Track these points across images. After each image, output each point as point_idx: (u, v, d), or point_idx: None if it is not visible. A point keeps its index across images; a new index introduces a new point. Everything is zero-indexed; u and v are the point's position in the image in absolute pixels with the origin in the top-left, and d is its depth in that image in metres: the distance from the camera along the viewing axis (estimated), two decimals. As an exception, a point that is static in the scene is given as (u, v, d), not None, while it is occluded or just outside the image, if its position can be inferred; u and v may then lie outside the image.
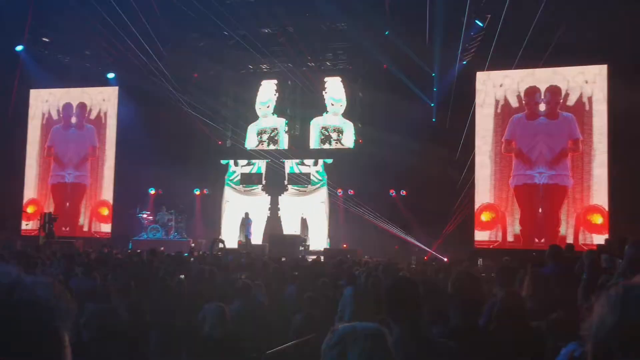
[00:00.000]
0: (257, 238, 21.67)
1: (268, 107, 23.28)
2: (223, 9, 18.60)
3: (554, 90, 19.03)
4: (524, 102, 19.32)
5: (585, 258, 6.49)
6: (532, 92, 19.23)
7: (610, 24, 15.84)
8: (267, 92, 23.24)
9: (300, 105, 22.83)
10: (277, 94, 23.19)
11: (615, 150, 17.90)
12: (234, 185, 23.40)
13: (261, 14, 19.55)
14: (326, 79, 22.42)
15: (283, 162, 22.69)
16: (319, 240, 21.53)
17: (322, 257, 16.10)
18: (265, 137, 23.30)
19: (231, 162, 23.58)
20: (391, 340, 1.82)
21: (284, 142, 23.15)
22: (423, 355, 2.74)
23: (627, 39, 16.22)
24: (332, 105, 22.60)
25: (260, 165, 23.15)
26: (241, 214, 22.10)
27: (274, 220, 22.54)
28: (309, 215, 21.90)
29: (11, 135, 23.01)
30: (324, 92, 22.64)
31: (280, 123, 23.23)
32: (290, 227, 21.91)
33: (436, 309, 3.70)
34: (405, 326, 2.77)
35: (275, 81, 23.00)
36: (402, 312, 2.82)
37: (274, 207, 22.70)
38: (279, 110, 23.22)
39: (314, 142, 22.80)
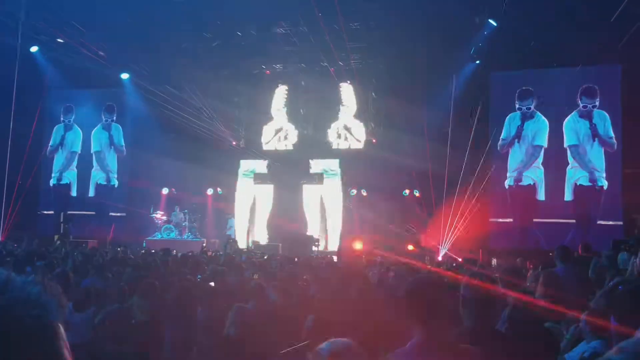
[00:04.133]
0: (262, 236, 21.95)
1: (282, 108, 23.34)
2: (235, 9, 18.59)
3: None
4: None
5: (605, 259, 6.27)
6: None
7: (625, 23, 15.65)
8: (281, 93, 23.29)
9: (313, 105, 22.84)
10: (289, 95, 23.21)
11: (628, 150, 17.80)
12: (246, 184, 23.44)
13: (274, 14, 19.52)
14: (340, 84, 22.38)
15: (296, 161, 22.78)
16: (332, 239, 21.64)
17: (334, 258, 16.12)
18: (279, 136, 23.34)
19: (246, 161, 23.64)
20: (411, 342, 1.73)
21: (296, 142, 23.21)
22: (446, 359, 2.67)
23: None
24: (344, 106, 22.64)
25: (274, 164, 23.22)
26: (255, 212, 22.19)
27: (285, 217, 22.48)
28: (323, 213, 22.03)
29: (28, 135, 23.09)
30: (336, 93, 22.66)
31: (293, 123, 23.27)
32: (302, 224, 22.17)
33: (451, 310, 3.68)
34: (427, 329, 2.72)
35: (288, 83, 23.02)
36: (424, 314, 2.73)
37: (286, 204, 22.65)
38: (292, 111, 23.24)
39: (327, 141, 22.88)
